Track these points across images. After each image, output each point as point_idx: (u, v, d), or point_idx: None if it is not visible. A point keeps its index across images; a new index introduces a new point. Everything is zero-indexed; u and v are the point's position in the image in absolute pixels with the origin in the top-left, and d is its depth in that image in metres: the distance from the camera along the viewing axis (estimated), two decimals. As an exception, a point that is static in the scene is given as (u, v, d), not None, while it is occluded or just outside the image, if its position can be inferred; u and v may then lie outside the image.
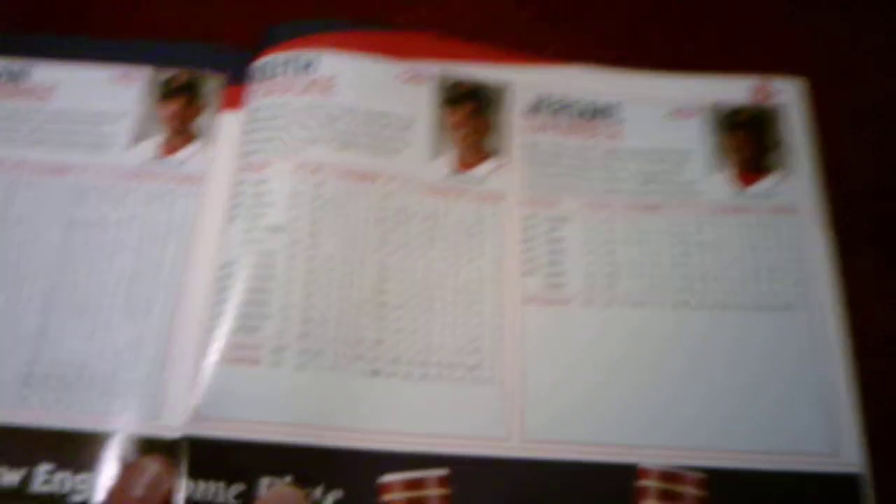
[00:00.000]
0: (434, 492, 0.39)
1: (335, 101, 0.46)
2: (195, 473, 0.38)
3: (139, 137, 0.47)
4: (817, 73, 0.49)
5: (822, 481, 0.39)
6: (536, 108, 0.48)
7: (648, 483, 0.39)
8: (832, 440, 0.40)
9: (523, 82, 0.49)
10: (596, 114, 0.48)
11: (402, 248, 0.44)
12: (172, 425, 0.39)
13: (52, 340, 0.42)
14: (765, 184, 0.46)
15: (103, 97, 0.47)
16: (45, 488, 0.38)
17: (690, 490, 0.39)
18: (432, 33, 0.50)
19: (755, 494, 0.39)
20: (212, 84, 0.48)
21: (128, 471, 0.38)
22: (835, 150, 0.47)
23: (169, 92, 0.48)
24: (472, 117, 0.47)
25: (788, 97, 0.48)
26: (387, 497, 0.39)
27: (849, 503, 0.39)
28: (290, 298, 0.41)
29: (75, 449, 0.39)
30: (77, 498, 0.38)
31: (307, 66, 0.46)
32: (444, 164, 0.46)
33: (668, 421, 0.41)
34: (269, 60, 0.47)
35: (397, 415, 0.40)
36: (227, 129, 0.47)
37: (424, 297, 0.43)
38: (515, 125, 0.48)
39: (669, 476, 0.40)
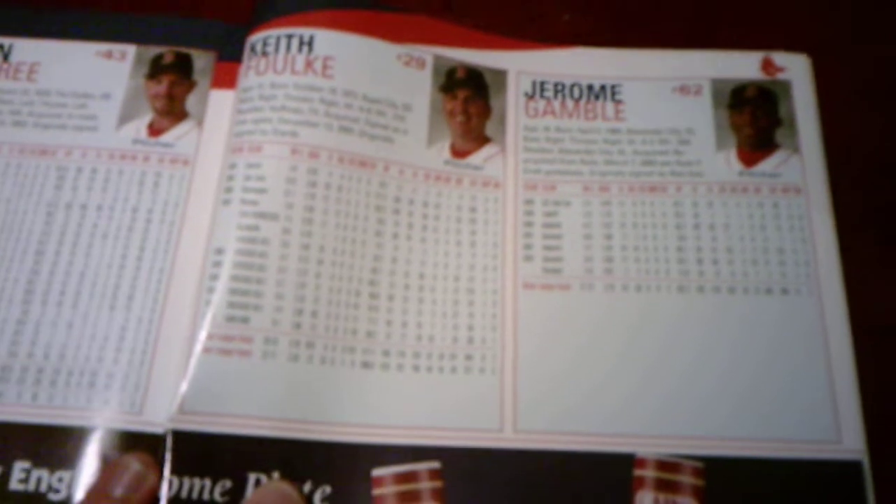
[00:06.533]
0: (426, 485, 0.38)
1: (333, 84, 0.44)
2: (180, 470, 0.37)
3: (126, 117, 0.45)
4: (819, 50, 0.48)
5: (824, 468, 0.39)
6: (534, 92, 0.47)
7: (645, 473, 0.39)
8: (834, 427, 0.40)
9: (520, 67, 0.48)
10: (595, 95, 0.47)
11: (397, 238, 0.43)
12: (156, 420, 0.39)
13: (30, 332, 0.41)
14: (771, 162, 0.45)
15: (88, 76, 0.46)
16: (22, 487, 0.38)
17: (688, 479, 0.39)
18: (426, 16, 0.48)
19: (755, 483, 0.39)
20: (201, 61, 0.47)
21: (108, 469, 0.37)
22: (836, 128, 0.46)
23: (157, 70, 0.46)
24: (468, 103, 0.46)
25: (795, 73, 0.48)
26: (378, 491, 0.38)
27: (850, 490, 0.39)
28: (282, 288, 0.40)
29: (53, 445, 0.38)
30: (55, 497, 0.38)
31: (304, 44, 0.45)
32: (441, 150, 0.45)
33: (667, 409, 0.40)
34: (264, 36, 0.45)
35: (389, 407, 0.40)
36: (218, 108, 0.45)
37: (418, 286, 0.43)
38: (512, 110, 0.47)
39: (667, 465, 0.39)
